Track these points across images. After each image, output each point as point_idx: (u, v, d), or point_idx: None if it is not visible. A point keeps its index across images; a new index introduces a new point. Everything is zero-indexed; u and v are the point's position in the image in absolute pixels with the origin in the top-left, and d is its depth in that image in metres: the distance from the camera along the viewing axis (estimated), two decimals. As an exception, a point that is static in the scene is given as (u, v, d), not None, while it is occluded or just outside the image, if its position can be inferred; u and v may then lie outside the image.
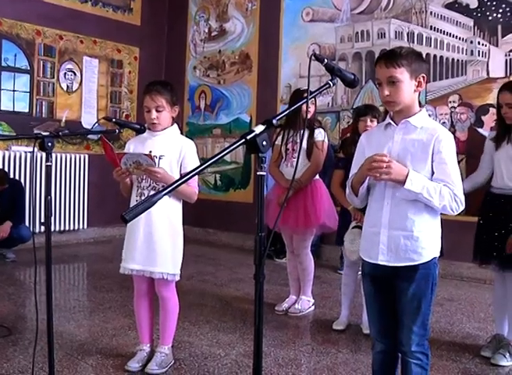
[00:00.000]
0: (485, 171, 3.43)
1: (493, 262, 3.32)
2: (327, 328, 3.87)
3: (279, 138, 4.24)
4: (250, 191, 7.24)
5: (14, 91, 6.71)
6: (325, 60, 1.78)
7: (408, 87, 2.12)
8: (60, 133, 2.58)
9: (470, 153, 5.23)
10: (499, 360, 3.21)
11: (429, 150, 2.11)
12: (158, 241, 2.91)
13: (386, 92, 2.12)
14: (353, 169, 2.30)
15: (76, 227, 7.17)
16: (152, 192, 2.90)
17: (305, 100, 1.77)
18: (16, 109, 6.71)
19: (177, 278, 2.99)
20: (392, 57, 2.12)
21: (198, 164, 2.88)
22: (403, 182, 2.06)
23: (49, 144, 2.47)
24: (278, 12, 7.04)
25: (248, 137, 1.46)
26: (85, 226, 7.26)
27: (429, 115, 5.59)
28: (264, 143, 1.48)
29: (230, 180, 7.55)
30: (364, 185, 2.23)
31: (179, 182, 1.40)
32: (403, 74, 2.10)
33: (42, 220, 2.46)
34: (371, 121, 3.68)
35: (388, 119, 2.23)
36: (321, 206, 4.09)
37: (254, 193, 7.16)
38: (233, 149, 1.44)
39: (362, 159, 2.16)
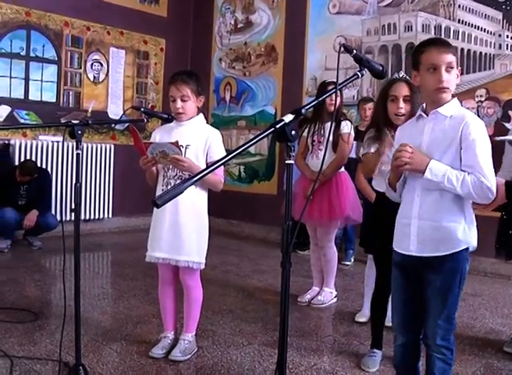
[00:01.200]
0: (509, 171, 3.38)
1: None
2: (349, 320, 3.89)
3: (306, 130, 4.25)
4: (274, 183, 7.26)
5: (42, 81, 6.80)
6: (354, 51, 1.78)
7: (455, 75, 2.17)
8: (89, 122, 2.61)
9: (495, 147, 5.18)
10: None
11: (457, 138, 2.10)
12: (183, 230, 2.94)
13: (445, 77, 2.11)
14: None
15: (101, 216, 7.26)
16: (179, 181, 2.92)
17: (333, 91, 1.77)
18: (43, 99, 6.80)
19: (202, 267, 3.02)
20: (447, 43, 2.18)
21: (224, 153, 2.94)
22: (423, 172, 2.07)
23: (79, 132, 2.51)
24: (304, 4, 7.03)
25: (277, 126, 1.48)
26: (110, 216, 7.35)
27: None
28: (293, 132, 1.50)
29: (254, 171, 7.57)
30: (400, 179, 2.26)
31: (208, 170, 1.42)
32: (455, 62, 2.15)
33: (70, 208, 2.50)
34: (370, 109, 3.77)
35: (419, 111, 2.24)
36: (345, 199, 4.09)
37: (278, 185, 7.18)
38: (263, 138, 1.46)
39: None
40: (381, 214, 2.88)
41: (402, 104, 2.84)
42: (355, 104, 6.34)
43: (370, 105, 5.28)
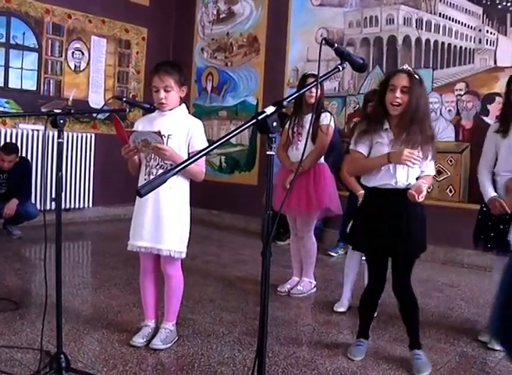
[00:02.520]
0: (492, 162, 3.41)
1: (498, 248, 3.33)
2: (328, 310, 3.94)
3: (288, 122, 4.28)
4: (254, 174, 7.30)
5: (22, 69, 6.74)
6: (335, 44, 1.81)
7: None
8: (72, 111, 2.61)
9: (475, 141, 5.26)
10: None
11: None
12: (165, 219, 2.96)
13: None
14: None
15: (82, 206, 7.24)
16: (160, 171, 2.94)
17: (313, 84, 1.80)
18: (23, 87, 6.74)
19: (183, 256, 3.04)
20: None
21: (206, 143, 2.96)
22: None
23: (61, 121, 2.51)
24: (287, -5, 7.04)
25: (259, 118, 1.51)
26: (90, 205, 7.33)
27: (435, 102, 5.67)
28: (275, 124, 1.53)
29: (235, 162, 7.59)
30: None
31: (191, 160, 1.44)
32: None
33: (51, 197, 2.51)
34: None
35: None
36: (324, 190, 4.13)
37: (258, 175, 7.22)
38: (244, 129, 1.49)
39: None
40: (372, 212, 2.94)
41: (399, 94, 2.76)
42: (337, 95, 6.40)
43: None
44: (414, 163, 2.73)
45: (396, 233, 2.85)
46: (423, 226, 2.94)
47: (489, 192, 3.32)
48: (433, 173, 2.99)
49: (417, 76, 2.78)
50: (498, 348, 3.25)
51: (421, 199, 2.70)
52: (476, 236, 3.47)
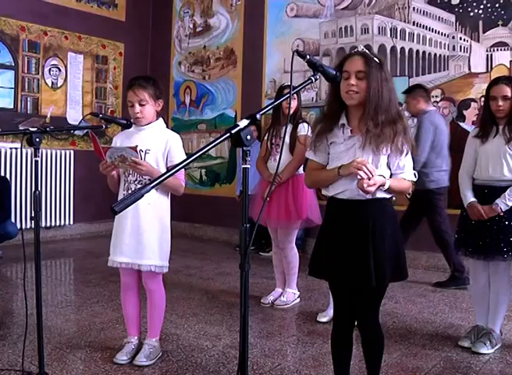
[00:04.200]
0: (472, 167, 3.43)
1: (478, 253, 3.34)
2: (312, 320, 3.93)
3: (267, 134, 4.31)
4: (235, 186, 7.28)
5: (-2, 87, 6.70)
6: (307, 56, 1.82)
7: None
8: (48, 129, 2.60)
9: (452, 147, 5.30)
10: (480, 348, 3.29)
11: None
12: (145, 234, 2.95)
13: None
14: None
15: (63, 223, 7.18)
16: (139, 186, 2.93)
17: (287, 95, 1.81)
18: (0, 106, 6.69)
19: (165, 270, 3.03)
20: None
21: (184, 156, 2.96)
22: None
23: (37, 139, 2.51)
24: (262, 7, 7.09)
25: (233, 132, 1.51)
26: (71, 222, 7.28)
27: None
28: (249, 137, 1.53)
29: (216, 174, 7.59)
30: None
31: (168, 174, 1.44)
32: None
33: (30, 216, 2.50)
34: None
35: None
36: (303, 201, 4.13)
37: (239, 188, 7.22)
38: (219, 143, 1.49)
39: None
40: (330, 229, 2.40)
41: (354, 80, 2.25)
42: (314, 106, 6.42)
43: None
44: (367, 174, 2.15)
45: (355, 258, 2.27)
46: (397, 248, 2.35)
47: (468, 197, 3.35)
48: (410, 177, 2.38)
49: (376, 59, 2.28)
50: (482, 351, 3.28)
51: (368, 188, 2.16)
52: (457, 241, 3.49)
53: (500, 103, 3.23)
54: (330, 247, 2.34)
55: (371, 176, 2.16)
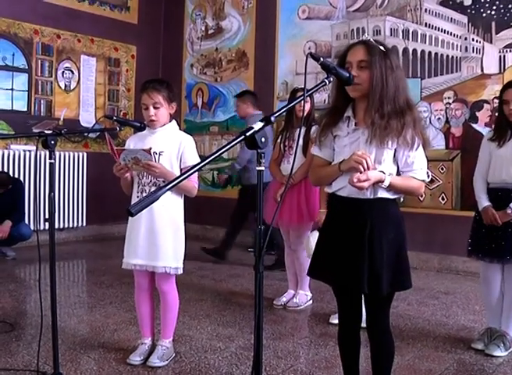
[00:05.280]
0: (487, 171, 3.42)
1: (491, 255, 3.33)
2: (325, 322, 3.93)
3: (280, 136, 4.33)
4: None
5: (12, 89, 6.75)
6: (321, 59, 1.82)
7: None
8: (63, 131, 2.63)
9: (465, 148, 5.31)
10: (494, 351, 3.28)
11: None
12: (159, 236, 2.96)
13: None
14: None
15: (76, 225, 7.22)
16: (153, 188, 2.95)
17: (300, 98, 1.81)
18: (14, 108, 6.75)
19: (179, 272, 3.03)
20: None
21: (197, 158, 2.98)
22: None
23: (52, 142, 2.53)
24: (274, 9, 7.10)
25: (247, 134, 1.52)
26: (84, 224, 7.31)
27: (424, 111, 5.71)
28: (263, 139, 1.54)
29: (228, 176, 7.59)
30: None
31: (183, 177, 1.45)
32: None
33: (44, 217, 2.52)
34: None
35: None
36: (315, 202, 4.14)
37: (251, 189, 7.22)
38: (233, 145, 1.50)
39: None
40: (332, 230, 2.29)
41: (356, 71, 2.11)
42: (326, 107, 6.40)
43: None
44: (367, 167, 2.03)
45: (349, 261, 2.16)
46: (399, 254, 2.20)
47: (483, 201, 3.34)
48: (421, 176, 2.21)
49: (380, 47, 2.15)
50: (496, 353, 3.27)
51: (359, 183, 2.02)
52: (470, 244, 3.47)
53: None
54: (328, 247, 2.25)
55: (373, 167, 2.04)
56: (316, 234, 3.17)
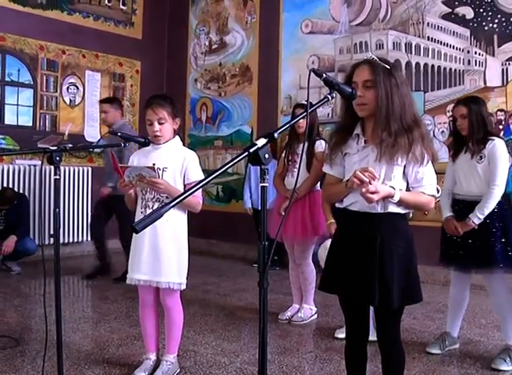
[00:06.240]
0: (450, 185, 3.62)
1: (455, 264, 3.52)
2: (330, 336, 3.92)
3: (284, 151, 4.35)
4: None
5: (18, 105, 6.81)
6: (324, 75, 1.83)
7: None
8: (67, 147, 2.64)
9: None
10: (500, 365, 3.27)
11: None
12: (163, 252, 2.96)
13: None
14: None
15: (80, 239, 7.23)
16: (157, 204, 2.96)
17: (301, 115, 1.83)
18: (19, 123, 6.80)
19: (183, 287, 3.04)
20: None
21: (201, 174, 2.99)
22: None
23: (57, 158, 2.54)
24: (277, 24, 7.15)
25: (251, 150, 1.53)
26: (89, 239, 7.30)
27: (428, 124, 5.72)
28: (267, 156, 1.55)
29: (232, 191, 7.61)
30: None
31: (187, 194, 1.46)
32: None
33: (49, 233, 2.53)
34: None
35: None
36: (319, 217, 4.13)
37: (255, 203, 7.22)
38: (237, 162, 1.51)
39: None
40: (342, 243, 2.31)
41: (361, 91, 2.15)
42: (330, 122, 6.43)
43: None
44: (369, 185, 2.01)
45: (361, 275, 2.18)
46: (409, 269, 2.21)
47: (445, 212, 3.52)
48: (431, 191, 2.21)
49: (386, 65, 2.19)
50: (502, 367, 3.25)
51: (368, 195, 2.01)
52: (440, 253, 3.60)
53: (459, 122, 3.45)
54: (338, 261, 2.27)
55: (372, 180, 2.01)
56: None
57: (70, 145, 2.76)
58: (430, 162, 2.19)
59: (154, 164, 2.85)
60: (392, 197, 2.11)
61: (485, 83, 5.56)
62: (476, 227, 3.32)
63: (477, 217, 3.30)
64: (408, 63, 6.02)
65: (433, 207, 2.27)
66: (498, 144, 3.33)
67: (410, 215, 2.31)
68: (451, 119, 3.75)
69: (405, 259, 2.19)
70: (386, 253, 2.15)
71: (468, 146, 3.43)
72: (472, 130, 3.38)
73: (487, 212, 3.29)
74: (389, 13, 6.21)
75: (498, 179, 3.29)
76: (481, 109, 3.43)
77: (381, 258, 2.15)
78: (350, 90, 1.99)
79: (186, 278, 3.06)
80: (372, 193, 2.01)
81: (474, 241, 3.36)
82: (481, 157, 3.36)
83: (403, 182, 2.21)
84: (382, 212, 2.18)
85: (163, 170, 2.98)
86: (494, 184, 3.29)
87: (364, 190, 2.00)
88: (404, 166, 2.18)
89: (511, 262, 3.31)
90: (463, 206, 3.42)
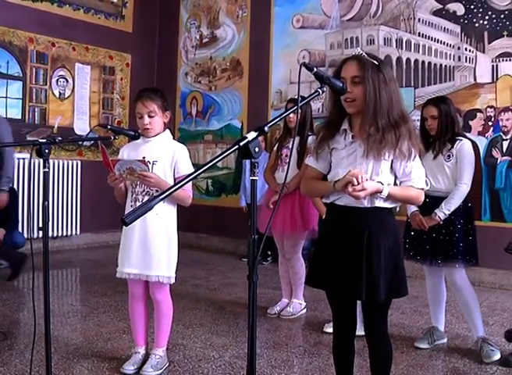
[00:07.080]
0: None
1: (420, 257, 3.56)
2: (319, 330, 3.93)
3: (276, 145, 4.35)
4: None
5: (7, 97, 6.75)
6: (315, 69, 1.83)
7: None
8: (57, 140, 2.62)
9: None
10: (493, 356, 3.32)
11: None
12: (153, 245, 2.96)
13: None
14: None
15: (69, 233, 7.20)
16: (146, 197, 2.96)
17: (291, 109, 1.83)
18: (8, 116, 6.72)
19: (172, 281, 3.04)
20: None
21: (191, 168, 2.99)
22: None
23: (46, 150, 2.52)
24: (268, 18, 7.13)
25: (241, 144, 1.53)
26: (78, 232, 7.29)
27: (418, 120, 5.73)
28: (257, 149, 1.54)
29: (222, 185, 7.61)
30: None
31: (177, 187, 1.45)
32: None
33: (38, 226, 2.52)
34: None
35: None
36: (309, 212, 4.15)
37: (245, 198, 7.22)
38: (227, 155, 1.51)
39: None
40: (329, 238, 2.31)
41: (350, 87, 2.14)
42: (321, 116, 6.42)
43: None
44: (360, 189, 2.04)
45: (348, 270, 2.18)
46: (395, 263, 2.23)
47: (411, 207, 3.52)
48: (420, 185, 2.24)
49: (374, 61, 2.19)
50: (495, 358, 3.31)
51: (355, 193, 2.05)
52: (405, 246, 3.59)
53: (429, 122, 3.49)
54: (325, 255, 2.28)
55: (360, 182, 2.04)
56: None
57: (60, 138, 2.71)
58: (418, 156, 2.22)
59: (144, 157, 2.85)
60: (380, 192, 2.13)
61: (475, 79, 5.59)
62: (441, 222, 3.39)
63: (443, 212, 3.36)
64: (399, 59, 6.03)
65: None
66: (466, 145, 3.43)
67: (397, 209, 2.34)
68: (418, 118, 3.77)
69: (392, 253, 2.21)
70: (373, 247, 2.17)
71: (434, 146, 3.49)
72: (441, 131, 3.46)
73: (453, 208, 3.36)
74: (380, 9, 6.21)
75: (465, 177, 3.38)
76: (451, 110, 3.48)
77: (368, 251, 2.16)
78: (341, 84, 1.99)
79: (176, 272, 3.06)
80: (359, 191, 2.04)
81: (438, 236, 3.43)
82: (449, 156, 3.43)
83: (391, 176, 2.23)
84: (368, 206, 2.19)
85: (153, 164, 2.97)
86: (462, 182, 3.37)
87: (350, 189, 2.03)
88: (392, 161, 2.20)
89: (473, 256, 3.43)
90: (428, 202, 3.41)
